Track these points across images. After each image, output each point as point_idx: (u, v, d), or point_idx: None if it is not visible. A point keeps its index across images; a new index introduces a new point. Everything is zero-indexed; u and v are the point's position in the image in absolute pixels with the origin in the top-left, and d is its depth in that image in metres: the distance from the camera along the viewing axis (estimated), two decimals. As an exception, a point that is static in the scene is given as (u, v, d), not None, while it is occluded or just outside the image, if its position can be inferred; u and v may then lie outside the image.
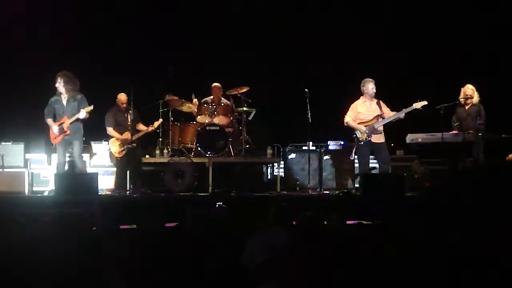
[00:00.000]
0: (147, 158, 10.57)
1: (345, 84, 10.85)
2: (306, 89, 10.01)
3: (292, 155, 11.20)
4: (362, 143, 9.65)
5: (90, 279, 4.17)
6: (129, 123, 10.09)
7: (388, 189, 8.84)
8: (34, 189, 10.44)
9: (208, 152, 10.43)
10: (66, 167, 9.70)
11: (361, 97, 9.83)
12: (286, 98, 11.36)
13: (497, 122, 9.76)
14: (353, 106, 9.83)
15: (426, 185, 9.81)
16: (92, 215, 5.88)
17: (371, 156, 9.87)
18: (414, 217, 5.22)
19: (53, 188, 9.36)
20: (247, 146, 10.78)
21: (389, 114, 9.73)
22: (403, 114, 9.60)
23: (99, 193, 9.28)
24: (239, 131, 10.91)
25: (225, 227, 5.25)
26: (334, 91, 11.22)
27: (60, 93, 9.49)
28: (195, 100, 10.98)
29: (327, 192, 10.31)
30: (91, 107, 9.42)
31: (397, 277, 3.99)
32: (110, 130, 10.27)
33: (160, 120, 10.51)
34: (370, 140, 9.62)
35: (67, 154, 9.68)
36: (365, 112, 9.74)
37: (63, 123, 9.45)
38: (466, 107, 9.67)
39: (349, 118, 9.76)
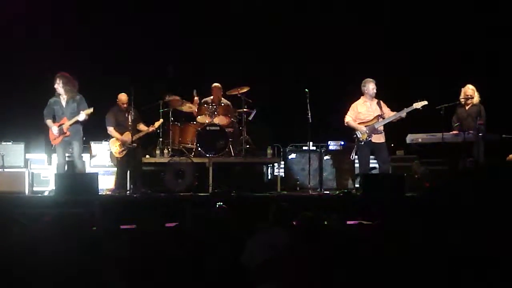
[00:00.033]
0: (147, 158, 10.58)
1: (345, 84, 10.85)
2: (306, 89, 10.01)
3: (293, 155, 11.20)
4: (362, 143, 9.65)
5: (90, 279, 4.17)
6: (129, 123, 10.08)
7: (388, 189, 8.85)
8: (34, 189, 10.43)
9: (208, 152, 10.43)
10: (66, 168, 9.70)
11: (362, 97, 9.83)
12: (286, 98, 11.36)
13: (497, 122, 9.76)
14: (353, 106, 9.83)
15: (426, 185, 9.81)
16: (92, 215, 5.88)
17: (371, 156, 9.87)
18: (414, 217, 5.21)
19: (53, 188, 9.36)
20: (247, 146, 10.78)
21: (389, 114, 9.73)
22: (405, 113, 9.59)
23: (99, 193, 9.27)
24: (239, 131, 10.91)
25: (225, 227, 5.25)
26: (334, 91, 11.22)
27: (59, 94, 9.49)
28: (196, 98, 10.98)
29: (327, 192, 10.31)
30: (91, 110, 9.42)
31: (397, 277, 3.99)
32: (110, 130, 10.27)
33: (161, 120, 10.51)
34: (370, 140, 9.62)
35: (67, 155, 9.68)
36: (365, 112, 9.74)
37: (62, 124, 9.46)
38: (467, 107, 9.67)
39: (349, 118, 9.76)
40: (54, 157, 10.05)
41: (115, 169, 10.39)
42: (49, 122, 9.55)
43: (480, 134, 9.39)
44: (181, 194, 9.72)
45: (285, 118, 11.64)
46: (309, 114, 9.94)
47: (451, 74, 11.05)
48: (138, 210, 8.00)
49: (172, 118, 10.76)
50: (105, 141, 10.75)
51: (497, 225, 4.39)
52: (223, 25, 11.96)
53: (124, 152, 10.13)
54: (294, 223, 5.10)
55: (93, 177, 9.19)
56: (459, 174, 8.40)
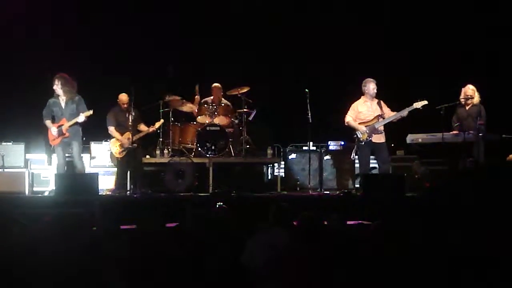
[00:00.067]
0: (147, 158, 10.57)
1: (345, 84, 10.85)
2: (306, 89, 10.01)
3: (293, 155, 11.19)
4: (363, 143, 9.65)
5: (90, 279, 4.18)
6: (130, 123, 10.07)
7: (388, 189, 8.84)
8: (35, 189, 10.42)
9: (209, 152, 10.43)
10: (66, 168, 9.70)
11: (362, 97, 9.82)
12: (286, 98, 11.35)
13: (497, 122, 9.76)
14: (353, 105, 9.83)
15: (426, 185, 9.81)
16: (92, 215, 5.88)
17: (371, 156, 9.87)
18: (414, 217, 5.22)
19: (54, 188, 9.36)
20: (248, 146, 10.78)
21: (390, 114, 9.73)
22: (406, 112, 9.59)
23: (99, 193, 9.27)
24: (239, 131, 10.90)
25: (225, 227, 5.25)
26: (334, 91, 11.21)
27: (58, 95, 9.50)
28: (197, 97, 10.96)
29: (328, 192, 10.30)
30: (91, 112, 9.43)
31: (397, 277, 3.99)
32: (111, 130, 10.27)
33: (162, 120, 10.50)
34: (371, 140, 9.62)
35: (67, 155, 9.68)
36: (365, 112, 9.74)
37: (62, 125, 9.46)
38: (467, 107, 9.66)
39: (350, 118, 9.76)
40: (54, 157, 10.04)
41: (115, 169, 10.39)
42: (48, 122, 9.56)
43: (480, 134, 9.38)
44: (181, 194, 9.71)
45: (285, 118, 11.63)
46: (309, 114, 9.94)
47: (451, 74, 11.05)
48: (138, 210, 8.00)
49: (172, 118, 10.75)
50: (105, 141, 10.76)
51: (497, 225, 4.39)
52: (223, 25, 11.95)
53: (125, 153, 10.13)
54: (294, 223, 5.10)
55: (93, 177, 9.19)
56: (459, 174, 8.42)
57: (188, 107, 10.94)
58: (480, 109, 9.55)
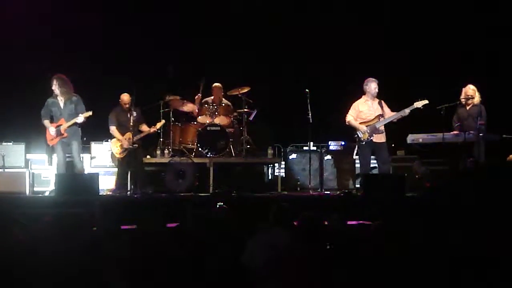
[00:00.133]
0: (148, 159, 10.57)
1: (345, 84, 10.86)
2: (307, 89, 10.01)
3: (293, 156, 11.20)
4: (363, 143, 9.65)
5: (90, 279, 4.18)
6: (131, 123, 10.06)
7: (389, 190, 8.84)
8: (35, 189, 10.42)
9: (209, 153, 10.43)
10: (66, 168, 9.70)
11: (363, 96, 9.82)
12: (287, 98, 11.35)
13: (497, 122, 9.75)
14: (354, 105, 9.83)
15: (427, 185, 9.81)
16: (93, 215, 5.87)
17: (372, 156, 9.87)
18: (415, 217, 5.22)
19: (54, 188, 9.36)
20: (248, 146, 10.78)
21: (390, 114, 9.73)
22: (408, 111, 9.58)
23: (99, 194, 9.27)
24: (239, 132, 10.90)
25: (226, 228, 5.25)
26: (335, 91, 11.21)
27: (57, 95, 9.51)
28: (199, 95, 10.94)
29: (328, 192, 10.31)
30: (90, 113, 9.43)
31: (397, 277, 3.99)
32: (112, 130, 10.27)
33: (163, 121, 10.49)
34: (371, 140, 9.62)
35: (67, 155, 9.68)
36: (366, 111, 9.74)
37: (60, 125, 9.46)
38: (467, 108, 9.66)
39: (350, 117, 9.75)
40: (55, 157, 10.04)
41: (116, 169, 10.39)
42: (46, 122, 9.56)
43: (480, 134, 9.38)
44: (182, 194, 9.71)
45: (285, 118, 11.62)
46: (310, 114, 9.94)
47: (451, 74, 11.05)
48: (138, 211, 8.00)
49: (172, 118, 10.75)
50: (105, 141, 10.76)
51: (497, 225, 4.39)
52: (223, 25, 11.95)
53: (125, 153, 10.13)
54: (295, 223, 5.10)
55: (94, 178, 9.19)
56: (459, 174, 8.41)
57: (188, 107, 10.94)
58: (481, 109, 9.55)
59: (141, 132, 10.26)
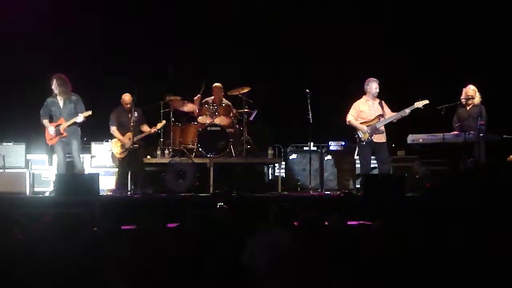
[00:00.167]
0: (148, 159, 10.56)
1: (345, 84, 10.86)
2: (307, 90, 10.01)
3: (293, 156, 11.20)
4: (364, 143, 9.65)
5: (90, 279, 4.18)
6: (132, 124, 10.05)
7: (389, 190, 8.84)
8: (35, 189, 10.42)
9: (209, 153, 10.42)
10: (66, 168, 9.70)
11: (364, 96, 9.82)
12: (287, 98, 11.35)
13: (498, 122, 9.75)
14: (355, 104, 9.83)
15: (427, 185, 9.82)
16: (93, 215, 5.87)
17: (372, 157, 9.87)
18: (415, 218, 5.22)
19: (54, 188, 9.35)
20: (248, 146, 10.77)
21: (391, 115, 9.74)
22: (408, 111, 9.58)
23: (100, 194, 9.27)
24: (240, 132, 10.90)
25: (226, 228, 5.25)
26: (335, 91, 11.21)
27: (56, 95, 9.51)
28: (198, 96, 10.94)
29: (328, 192, 10.32)
30: (89, 112, 9.44)
31: (397, 277, 3.99)
32: (113, 130, 10.27)
33: (164, 121, 10.48)
34: (372, 140, 9.62)
35: (67, 155, 9.69)
36: (367, 111, 9.74)
37: (59, 125, 9.47)
38: (468, 108, 9.66)
39: (351, 117, 9.75)
40: (55, 157, 10.04)
41: (116, 169, 10.39)
42: (45, 122, 9.57)
43: (481, 135, 9.38)
44: (182, 194, 9.72)
45: (285, 118, 11.63)
46: (310, 114, 9.94)
47: (451, 74, 11.05)
48: (139, 211, 8.00)
49: (173, 119, 10.74)
50: (106, 141, 10.76)
51: (497, 225, 4.39)
52: (223, 25, 11.95)
53: (125, 153, 10.13)
54: (295, 223, 5.10)
55: (94, 178, 9.19)
56: (459, 175, 8.41)
57: (189, 107, 10.93)
58: (481, 110, 9.55)
59: (142, 132, 10.25)
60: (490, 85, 10.16)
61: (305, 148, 11.06)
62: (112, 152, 10.33)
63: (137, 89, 9.95)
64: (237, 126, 10.97)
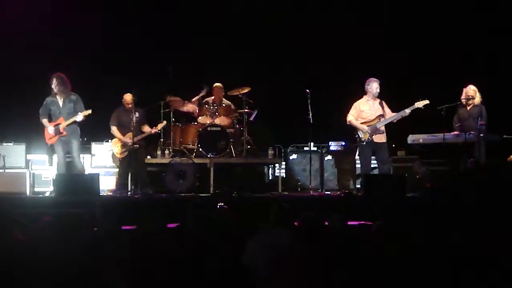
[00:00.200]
0: (148, 159, 10.56)
1: (345, 84, 10.86)
2: (307, 90, 10.01)
3: (294, 156, 11.21)
4: (364, 143, 9.66)
5: (90, 279, 4.17)
6: (133, 124, 10.04)
7: (389, 190, 8.84)
8: (35, 190, 10.42)
9: (209, 153, 10.42)
10: (66, 168, 9.70)
11: (364, 96, 9.83)
12: (287, 98, 11.36)
13: (498, 123, 9.75)
14: (355, 104, 9.83)
15: (427, 185, 9.81)
16: (93, 215, 5.87)
17: (372, 157, 9.87)
18: (415, 218, 5.22)
19: (53, 188, 9.36)
20: (249, 146, 10.78)
21: (391, 115, 9.74)
22: (409, 111, 9.58)
23: (100, 194, 9.27)
24: (240, 132, 10.90)
25: (226, 228, 5.25)
26: (335, 91, 11.22)
27: (56, 94, 9.52)
28: (196, 98, 10.94)
29: (329, 192, 10.33)
30: (89, 111, 9.44)
31: (398, 277, 3.99)
32: (113, 130, 10.28)
33: (164, 122, 10.48)
34: (372, 140, 9.62)
35: (66, 155, 9.69)
36: (367, 111, 9.75)
37: (59, 124, 9.47)
38: (468, 108, 9.66)
39: (351, 117, 9.76)
40: (55, 158, 10.05)
41: (116, 170, 10.39)
42: (44, 121, 9.58)
43: (481, 135, 9.37)
44: (182, 194, 9.72)
45: (286, 118, 11.63)
46: (310, 114, 9.94)
47: (452, 74, 11.05)
48: (139, 211, 8.00)
49: (173, 119, 10.75)
50: (106, 141, 10.76)
51: (498, 225, 4.39)
52: (223, 25, 11.95)
53: (126, 153, 10.13)
54: (295, 223, 5.10)
55: (94, 178, 9.19)
56: (460, 175, 8.43)
57: (189, 108, 10.94)
58: (481, 110, 9.54)
59: (143, 133, 10.25)
60: (490, 85, 10.16)
61: (305, 148, 11.07)
62: (113, 152, 10.33)
63: (137, 89, 9.95)
64: (237, 126, 10.97)
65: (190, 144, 10.68)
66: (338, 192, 10.09)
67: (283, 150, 11.12)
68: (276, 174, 11.09)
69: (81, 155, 10.03)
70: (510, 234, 4.18)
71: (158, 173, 10.68)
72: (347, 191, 10.07)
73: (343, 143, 11.10)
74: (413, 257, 4.08)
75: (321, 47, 11.87)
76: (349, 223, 6.09)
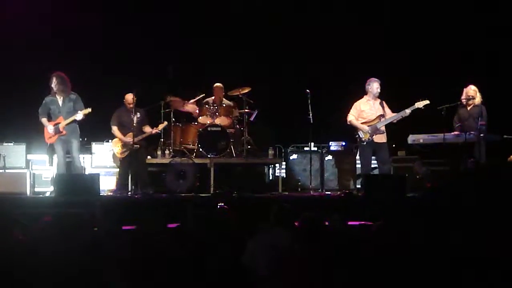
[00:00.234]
0: (148, 159, 10.56)
1: (345, 84, 10.86)
2: (307, 90, 10.01)
3: (294, 156, 11.20)
4: (364, 143, 9.66)
5: (90, 279, 4.17)
6: (134, 124, 10.04)
7: (390, 190, 8.84)
8: (36, 190, 10.42)
9: (210, 153, 10.42)
10: (66, 167, 9.70)
11: (365, 96, 9.83)
12: (287, 98, 11.36)
13: (498, 123, 9.75)
14: (356, 104, 9.84)
15: (428, 185, 9.82)
16: (94, 215, 5.87)
17: (372, 157, 9.87)
18: (416, 218, 5.21)
19: (53, 188, 9.36)
20: (249, 147, 10.78)
21: (391, 115, 9.74)
22: (409, 111, 9.58)
23: (100, 194, 9.27)
24: (240, 132, 10.90)
25: (227, 228, 5.25)
26: (335, 91, 11.22)
27: (55, 93, 9.52)
28: (192, 101, 10.95)
29: (329, 192, 10.34)
30: (89, 110, 9.44)
31: (398, 277, 3.99)
32: (114, 130, 10.28)
33: (165, 123, 10.47)
34: (372, 140, 9.63)
35: (66, 155, 9.69)
36: (368, 111, 9.75)
37: (58, 123, 9.47)
38: (468, 108, 9.66)
39: (352, 117, 9.76)
40: (56, 158, 10.05)
41: (117, 170, 10.39)
42: (44, 120, 9.58)
43: (481, 135, 9.38)
44: (183, 194, 9.72)
45: (286, 118, 11.63)
46: (310, 114, 9.95)
47: (452, 74, 11.05)
48: (139, 211, 8.00)
49: (173, 119, 10.75)
50: (106, 141, 10.76)
51: (498, 225, 4.39)
52: (223, 25, 11.95)
53: (126, 153, 10.13)
54: (296, 223, 5.10)
55: (95, 178, 9.20)
56: (460, 175, 8.43)
57: (189, 108, 10.94)
58: (482, 110, 9.55)
59: (144, 133, 10.24)
60: (490, 85, 10.16)
61: (305, 148, 11.07)
62: (113, 152, 10.34)
63: (139, 89, 9.95)
64: (238, 126, 10.97)
65: (190, 144, 10.68)
66: (339, 192, 10.09)
67: (283, 150, 11.12)
68: (276, 174, 11.09)
69: (82, 155, 10.03)
70: (510, 234, 4.18)
71: (158, 173, 10.68)
72: (347, 191, 10.07)
73: (344, 143, 11.10)
74: (413, 257, 4.08)
75: (321, 47, 11.87)
76: (350, 223, 6.09)
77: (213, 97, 11.00)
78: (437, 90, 10.47)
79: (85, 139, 10.10)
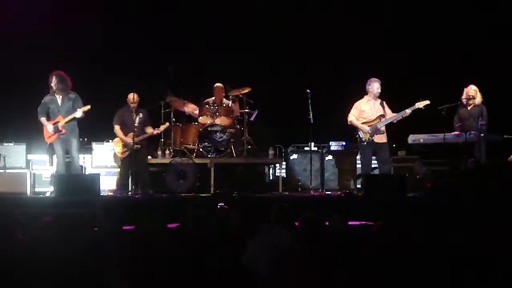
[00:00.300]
0: (149, 159, 10.56)
1: (345, 84, 10.86)
2: (308, 90, 10.01)
3: (294, 156, 11.20)
4: (365, 143, 9.66)
5: (91, 279, 4.17)
6: (135, 124, 10.03)
7: (390, 190, 8.84)
8: (36, 190, 10.41)
9: (210, 153, 10.42)
10: (66, 167, 9.70)
11: (365, 96, 9.83)
12: (287, 98, 11.35)
13: (498, 123, 9.75)
14: (356, 104, 9.84)
15: (428, 185, 9.82)
16: (94, 215, 5.87)
17: (373, 157, 9.87)
18: (416, 218, 5.21)
19: (53, 188, 9.36)
20: (249, 147, 10.77)
21: (391, 115, 9.74)
22: (409, 111, 9.59)
23: (101, 194, 9.27)
24: (241, 132, 10.90)
25: (227, 228, 5.25)
26: (335, 91, 11.22)
27: (55, 92, 9.52)
28: (190, 104, 10.95)
29: (329, 192, 10.33)
30: (88, 107, 9.44)
31: (398, 277, 3.99)
32: (116, 129, 10.27)
33: (167, 124, 10.44)
34: (373, 140, 9.63)
35: (66, 155, 9.69)
36: (368, 111, 9.76)
37: (58, 122, 9.48)
38: (468, 108, 9.66)
39: (352, 117, 9.76)
40: (56, 158, 10.05)
41: (117, 170, 10.39)
42: (43, 120, 9.58)
43: (481, 135, 9.38)
44: (183, 194, 9.72)
45: (286, 118, 11.62)
46: (311, 114, 9.95)
47: (452, 74, 11.05)
48: (140, 211, 8.00)
49: (173, 119, 10.74)
50: (106, 141, 10.75)
51: (498, 225, 4.39)
52: (223, 25, 11.95)
53: (127, 153, 10.12)
54: (296, 223, 5.10)
55: (95, 178, 9.20)
56: (460, 175, 8.42)
57: (189, 108, 10.94)
58: (482, 110, 9.55)
59: (145, 133, 10.24)
60: (490, 85, 10.16)
61: (306, 148, 11.07)
62: (114, 152, 10.34)
63: (137, 89, 9.95)
64: (238, 126, 10.97)
65: (190, 144, 10.68)
66: (339, 192, 10.10)
67: (283, 150, 11.12)
68: (276, 174, 11.09)
69: (82, 155, 10.02)
70: (510, 234, 4.18)
71: (158, 173, 10.68)
72: (347, 191, 10.08)
73: (344, 143, 11.10)
74: (414, 257, 4.08)
75: (321, 47, 11.87)
76: (350, 223, 6.09)
77: (213, 97, 11.00)
78: (437, 90, 10.46)
79: (86, 139, 10.09)
